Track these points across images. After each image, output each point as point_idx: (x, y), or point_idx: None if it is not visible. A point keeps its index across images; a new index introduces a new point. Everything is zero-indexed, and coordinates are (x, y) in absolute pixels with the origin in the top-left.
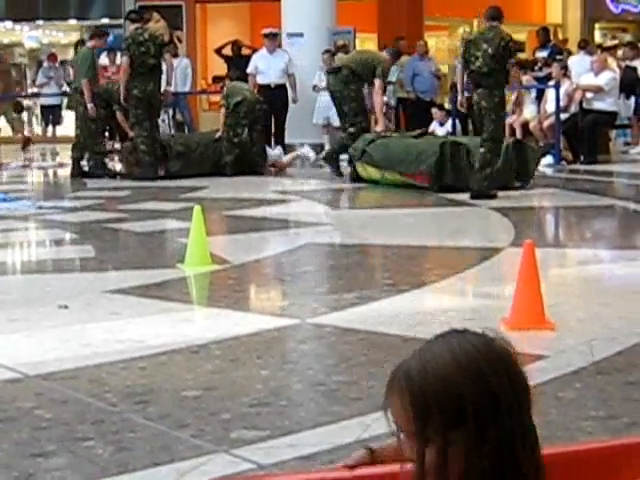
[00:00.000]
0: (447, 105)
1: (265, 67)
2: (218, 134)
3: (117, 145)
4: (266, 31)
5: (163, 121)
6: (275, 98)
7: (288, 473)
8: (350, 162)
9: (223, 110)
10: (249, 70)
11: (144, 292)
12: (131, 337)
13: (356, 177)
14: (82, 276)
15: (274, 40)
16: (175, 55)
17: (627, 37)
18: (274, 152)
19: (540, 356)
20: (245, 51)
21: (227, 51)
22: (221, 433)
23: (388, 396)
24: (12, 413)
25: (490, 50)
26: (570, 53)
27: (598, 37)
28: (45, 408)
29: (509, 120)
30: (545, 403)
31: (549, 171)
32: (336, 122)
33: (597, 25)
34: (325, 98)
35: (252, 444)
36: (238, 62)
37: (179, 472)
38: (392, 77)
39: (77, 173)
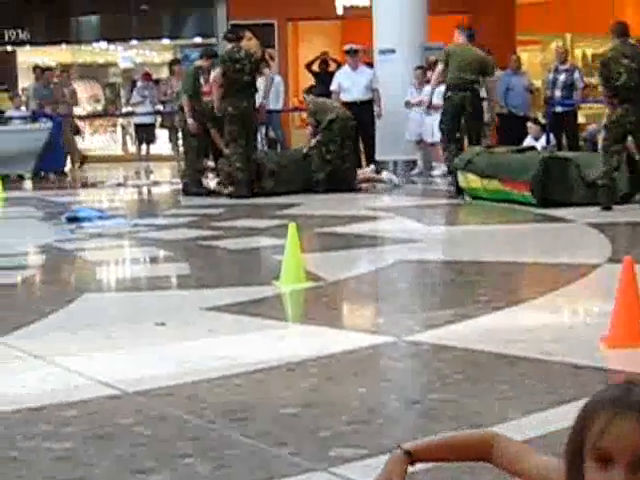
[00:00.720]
0: (541, 119)
1: (349, 84)
2: (305, 150)
3: (210, 163)
4: (347, 47)
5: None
6: (361, 114)
7: None
8: (448, 174)
9: (310, 127)
10: (332, 88)
11: (240, 310)
12: (228, 354)
13: (455, 189)
14: (178, 293)
15: (356, 56)
16: None
17: None
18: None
19: None
20: (332, 66)
21: (316, 67)
22: (320, 451)
23: (615, 430)
24: (111, 430)
25: (634, 64)
26: None
27: None
28: (144, 425)
29: None
30: None
31: None
32: (429, 138)
33: None
34: (417, 114)
35: (351, 462)
36: (324, 78)
37: None
38: (483, 93)
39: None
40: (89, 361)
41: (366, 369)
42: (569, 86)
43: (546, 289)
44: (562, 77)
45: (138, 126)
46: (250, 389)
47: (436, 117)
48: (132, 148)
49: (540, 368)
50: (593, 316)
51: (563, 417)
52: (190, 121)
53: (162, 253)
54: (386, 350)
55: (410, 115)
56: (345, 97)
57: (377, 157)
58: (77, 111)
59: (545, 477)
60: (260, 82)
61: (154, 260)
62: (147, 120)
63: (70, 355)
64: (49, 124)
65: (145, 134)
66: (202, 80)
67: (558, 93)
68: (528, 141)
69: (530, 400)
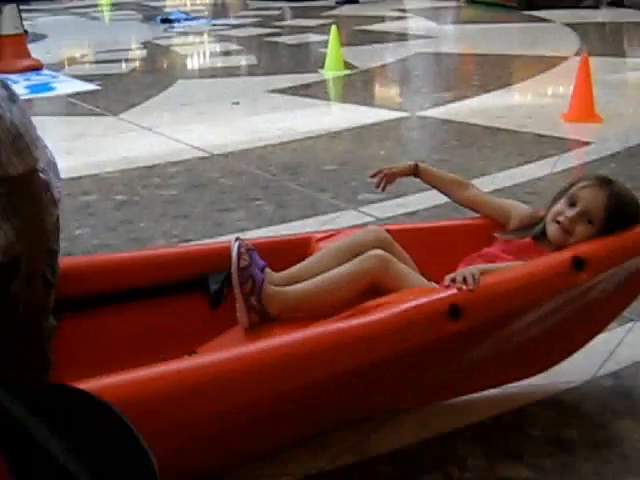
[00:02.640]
0: None
1: None
2: None
3: None
4: None
5: None
6: None
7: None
8: None
9: None
10: None
11: (295, 91)
12: (286, 126)
13: None
14: (249, 79)
15: None
16: None
17: None
18: None
19: (587, 142)
20: None
21: None
22: (351, 196)
23: (588, 191)
24: (204, 181)
25: None
26: None
27: None
28: (227, 177)
29: None
30: None
31: None
32: None
33: None
34: None
35: (373, 203)
36: None
37: (321, 222)
38: None
39: None
40: (185, 132)
41: (387, 137)
42: None
43: (525, 76)
44: None
45: None
46: (302, 152)
47: None
48: None
49: (515, 137)
50: (558, 97)
51: (527, 173)
52: None
53: (235, 47)
54: (402, 123)
55: None
56: None
57: None
58: None
59: (504, 214)
60: None
61: (229, 53)
62: None
63: (171, 127)
64: None
65: None
66: None
67: None
68: None
69: (504, 160)
